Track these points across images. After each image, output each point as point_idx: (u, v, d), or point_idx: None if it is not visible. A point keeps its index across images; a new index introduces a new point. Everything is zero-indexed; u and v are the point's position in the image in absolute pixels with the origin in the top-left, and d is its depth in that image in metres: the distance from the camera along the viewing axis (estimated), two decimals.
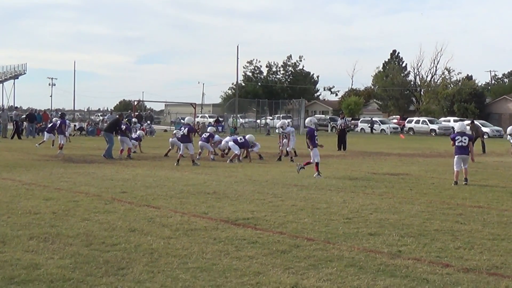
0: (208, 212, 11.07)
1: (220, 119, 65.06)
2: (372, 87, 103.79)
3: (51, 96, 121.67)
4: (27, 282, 6.51)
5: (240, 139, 24.39)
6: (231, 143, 24.14)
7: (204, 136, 24.93)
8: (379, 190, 15.04)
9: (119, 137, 25.38)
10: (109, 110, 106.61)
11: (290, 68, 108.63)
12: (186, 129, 22.39)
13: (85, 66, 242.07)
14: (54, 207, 11.35)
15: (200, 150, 24.68)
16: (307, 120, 19.52)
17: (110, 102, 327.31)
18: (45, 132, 31.47)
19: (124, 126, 27.21)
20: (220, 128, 56.02)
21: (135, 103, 66.49)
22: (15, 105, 79.27)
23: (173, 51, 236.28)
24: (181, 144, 22.67)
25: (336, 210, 11.54)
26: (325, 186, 15.54)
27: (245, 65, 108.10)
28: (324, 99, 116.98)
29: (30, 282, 6.49)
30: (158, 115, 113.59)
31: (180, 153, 22.32)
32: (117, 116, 26.99)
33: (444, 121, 69.44)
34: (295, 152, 26.84)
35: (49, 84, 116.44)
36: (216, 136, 26.07)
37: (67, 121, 38.26)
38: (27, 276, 6.68)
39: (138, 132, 30.50)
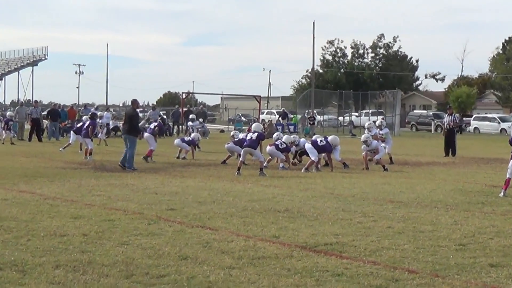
0: (280, 236, 11.08)
1: (290, 114, 64.86)
2: (489, 73, 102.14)
3: (78, 87, 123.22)
4: None
5: (321, 141, 23.95)
6: (308, 145, 23.84)
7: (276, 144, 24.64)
8: (501, 208, 14.80)
9: (145, 134, 25.84)
10: (150, 105, 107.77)
11: (382, 51, 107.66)
12: (256, 134, 22.72)
13: (120, 50, 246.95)
14: (85, 228, 11.53)
15: (270, 158, 24.59)
16: None
17: (152, 95, 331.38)
18: (71, 133, 31.97)
19: (155, 124, 27.41)
20: (292, 127, 55.89)
21: (184, 96, 67.24)
22: (34, 99, 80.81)
23: (231, 30, 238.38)
24: (242, 150, 22.79)
25: (445, 234, 11.42)
26: (429, 203, 15.39)
27: (324, 47, 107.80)
28: (426, 90, 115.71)
29: None
30: (212, 111, 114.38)
31: (240, 159, 22.42)
32: (131, 105, 25.52)
33: None
34: (391, 158, 26.65)
35: (76, 73, 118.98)
36: (286, 136, 25.88)
37: (105, 119, 38.87)
38: None
39: (193, 134, 30.77)
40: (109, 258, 9.27)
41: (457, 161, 29.12)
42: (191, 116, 43.50)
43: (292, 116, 67.64)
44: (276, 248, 10.10)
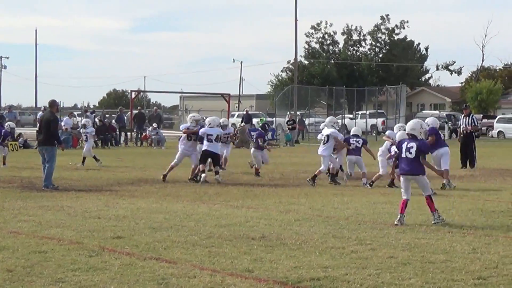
0: (254, 269, 11.10)
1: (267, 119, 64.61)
2: None
3: None
4: None
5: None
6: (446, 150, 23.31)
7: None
8: None
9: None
10: (91, 106, 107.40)
11: (384, 37, 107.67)
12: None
13: (53, 38, 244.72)
14: (9, 262, 11.47)
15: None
16: None
17: (94, 94, 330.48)
18: None
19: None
20: (272, 133, 55.66)
21: (133, 95, 66.97)
22: None
23: (192, 12, 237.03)
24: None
25: (461, 265, 11.48)
26: (441, 227, 15.48)
27: (309, 32, 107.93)
28: (438, 85, 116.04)
29: None
30: (169, 114, 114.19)
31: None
32: (50, 108, 24.85)
33: None
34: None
35: None
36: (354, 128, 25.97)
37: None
38: None
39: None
40: None
41: (477, 174, 29.28)
42: (84, 121, 37.97)
43: (258, 120, 66.47)
44: (250, 284, 10.12)
